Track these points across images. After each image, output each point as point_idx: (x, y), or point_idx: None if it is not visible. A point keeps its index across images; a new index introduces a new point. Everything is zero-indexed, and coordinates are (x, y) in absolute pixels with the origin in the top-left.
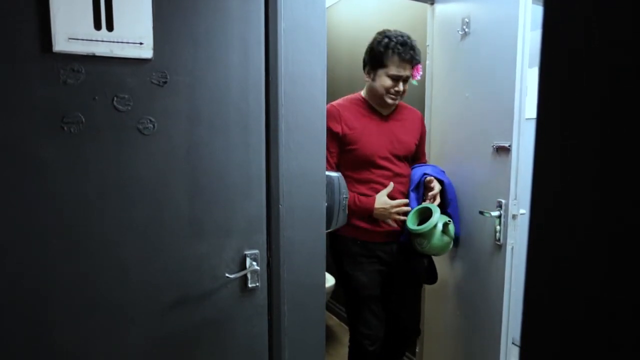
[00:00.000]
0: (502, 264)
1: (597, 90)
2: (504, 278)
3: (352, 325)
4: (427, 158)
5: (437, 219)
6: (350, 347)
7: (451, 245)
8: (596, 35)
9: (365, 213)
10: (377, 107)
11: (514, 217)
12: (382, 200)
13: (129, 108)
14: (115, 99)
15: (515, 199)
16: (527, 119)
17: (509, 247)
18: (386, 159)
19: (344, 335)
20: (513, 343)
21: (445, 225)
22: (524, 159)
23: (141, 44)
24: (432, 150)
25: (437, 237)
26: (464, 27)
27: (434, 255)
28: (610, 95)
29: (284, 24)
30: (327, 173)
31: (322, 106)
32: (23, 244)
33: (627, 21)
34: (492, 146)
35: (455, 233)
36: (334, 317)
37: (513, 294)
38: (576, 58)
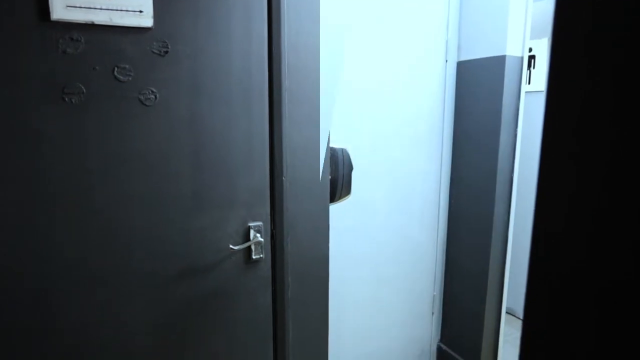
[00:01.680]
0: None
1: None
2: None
3: None
4: None
5: None
6: None
7: None
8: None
9: None
10: None
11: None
12: None
13: (130, 78)
14: (116, 69)
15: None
16: (533, 91)
17: None
18: None
19: None
20: (507, 312)
21: None
22: None
23: (141, 12)
24: None
25: None
26: None
27: None
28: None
29: None
30: (331, 146)
31: None
32: (23, 217)
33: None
34: None
35: None
36: None
37: (510, 267)
38: (588, 39)
